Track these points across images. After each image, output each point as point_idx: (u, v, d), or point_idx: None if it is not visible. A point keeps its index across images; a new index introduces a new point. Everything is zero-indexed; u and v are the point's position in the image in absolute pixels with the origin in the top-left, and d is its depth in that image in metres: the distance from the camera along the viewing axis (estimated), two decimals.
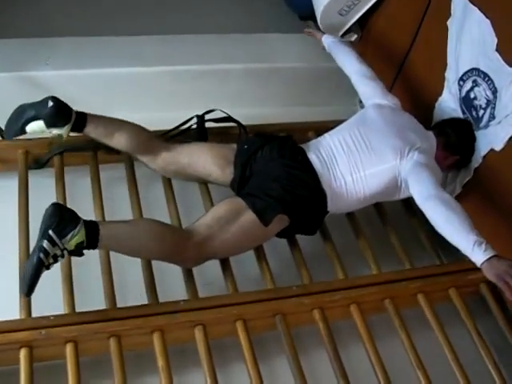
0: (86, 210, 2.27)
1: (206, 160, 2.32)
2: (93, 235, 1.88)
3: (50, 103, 2.16)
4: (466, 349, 2.20)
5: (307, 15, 3.25)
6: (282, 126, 2.73)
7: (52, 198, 2.27)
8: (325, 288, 2.19)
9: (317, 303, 2.14)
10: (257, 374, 1.94)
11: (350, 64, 2.58)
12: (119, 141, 2.30)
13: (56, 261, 1.83)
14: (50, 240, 1.80)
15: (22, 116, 2.19)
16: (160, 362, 1.91)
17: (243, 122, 2.58)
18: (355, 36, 3.01)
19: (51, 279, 2.02)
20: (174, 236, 2.04)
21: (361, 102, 2.63)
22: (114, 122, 2.31)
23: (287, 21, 3.36)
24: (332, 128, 2.44)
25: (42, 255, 1.78)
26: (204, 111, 2.54)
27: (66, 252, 1.84)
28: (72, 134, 2.26)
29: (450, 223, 1.98)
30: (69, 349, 1.88)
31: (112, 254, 2.12)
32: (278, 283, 2.18)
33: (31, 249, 2.01)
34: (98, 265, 2.09)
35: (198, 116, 2.53)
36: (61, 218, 1.84)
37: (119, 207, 2.38)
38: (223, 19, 3.28)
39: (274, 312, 2.10)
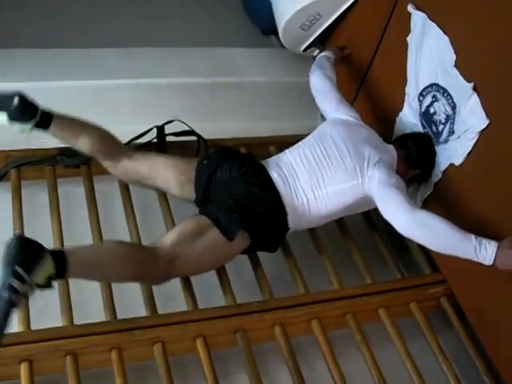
0: (44, 225, 2.24)
1: (165, 175, 2.30)
2: (61, 265, 1.76)
3: (16, 100, 2.12)
4: (428, 362, 2.20)
5: (270, 30, 3.27)
6: (244, 141, 2.73)
7: (8, 212, 2.24)
8: (286, 304, 2.17)
9: (278, 319, 2.13)
10: None
11: (312, 77, 2.60)
12: (83, 144, 2.28)
13: (27, 299, 1.70)
14: (19, 277, 1.63)
15: None
16: (118, 381, 1.87)
17: (205, 136, 2.57)
18: (317, 51, 3.02)
19: None
20: (143, 256, 1.98)
21: (322, 116, 2.63)
22: (79, 124, 2.28)
23: (250, 35, 3.38)
24: (293, 143, 2.44)
25: (13, 296, 1.62)
26: (164, 122, 2.53)
27: (35, 287, 1.69)
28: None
29: (441, 245, 2.04)
30: (23, 368, 1.84)
31: None
32: (238, 299, 2.16)
33: None
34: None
35: (157, 127, 2.51)
36: (26, 251, 1.69)
37: (77, 221, 2.34)
38: (186, 33, 3.28)
39: (234, 328, 2.08)
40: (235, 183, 2.24)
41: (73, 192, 2.41)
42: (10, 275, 1.63)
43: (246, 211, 2.14)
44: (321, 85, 2.56)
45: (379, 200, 2.18)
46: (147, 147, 2.51)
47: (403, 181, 2.32)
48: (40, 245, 1.74)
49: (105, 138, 2.30)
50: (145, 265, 1.98)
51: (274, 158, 2.40)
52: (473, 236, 1.95)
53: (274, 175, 2.27)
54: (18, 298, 1.63)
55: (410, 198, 2.47)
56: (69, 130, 2.25)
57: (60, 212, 2.27)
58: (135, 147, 2.50)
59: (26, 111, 2.14)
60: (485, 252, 1.92)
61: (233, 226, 2.10)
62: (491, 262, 1.92)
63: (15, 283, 1.63)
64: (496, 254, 1.91)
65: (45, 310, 2.00)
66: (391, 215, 2.11)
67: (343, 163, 2.26)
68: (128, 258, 1.95)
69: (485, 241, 1.93)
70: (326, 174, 2.25)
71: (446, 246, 2.03)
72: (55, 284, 1.78)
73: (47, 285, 1.74)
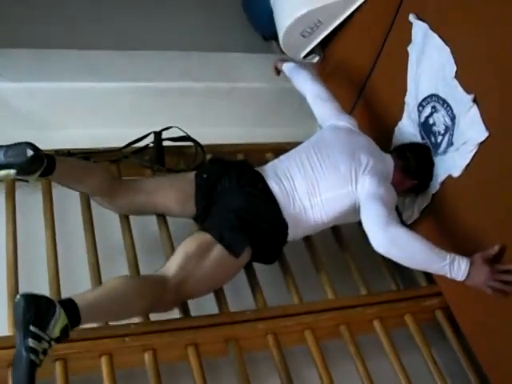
0: (36, 229, 2.24)
1: (165, 197, 2.28)
2: (73, 313, 1.73)
3: (30, 153, 1.98)
4: (421, 375, 2.19)
5: (270, 36, 3.25)
6: (241, 147, 2.72)
7: (2, 212, 2.23)
8: (279, 313, 2.15)
9: (271, 328, 2.11)
10: None
11: (305, 85, 2.59)
12: (84, 188, 2.26)
13: (46, 354, 1.66)
14: (35, 336, 1.62)
15: None
16: None
17: (201, 142, 2.56)
18: (317, 57, 3.01)
19: None
20: (152, 287, 1.95)
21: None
22: (79, 169, 2.22)
23: (250, 41, 3.36)
24: (291, 150, 2.42)
25: (32, 356, 1.60)
26: (161, 128, 2.51)
27: (53, 342, 1.67)
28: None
29: (414, 263, 2.05)
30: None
31: (61, 271, 2.08)
32: (231, 307, 2.14)
33: None
34: (47, 284, 2.04)
35: (155, 133, 2.49)
36: (37, 308, 1.65)
37: (71, 227, 2.33)
38: (186, 36, 3.26)
39: (226, 337, 2.06)
40: (236, 196, 2.23)
41: (67, 195, 2.37)
42: (27, 336, 1.62)
43: (249, 227, 2.13)
44: (321, 92, 2.55)
45: (362, 210, 2.16)
46: (144, 152, 2.50)
47: (400, 190, 2.33)
48: (48, 299, 1.71)
49: (103, 179, 2.25)
50: (155, 295, 1.95)
51: (271, 165, 2.39)
52: (447, 255, 1.95)
53: (273, 185, 2.25)
54: (37, 357, 1.62)
55: (408, 210, 2.47)
56: (70, 175, 2.20)
57: (54, 216, 2.26)
58: (132, 152, 2.49)
59: (38, 162, 2.02)
60: (458, 269, 1.94)
61: (239, 244, 2.08)
62: (463, 279, 1.94)
63: (32, 343, 1.62)
64: (468, 271, 1.93)
65: None
66: (367, 229, 2.09)
67: (339, 170, 2.25)
68: (138, 292, 1.92)
69: (458, 258, 1.95)
70: (321, 181, 2.24)
71: (419, 264, 2.05)
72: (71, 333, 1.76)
73: (64, 336, 1.72)
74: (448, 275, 1.96)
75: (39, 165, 2.02)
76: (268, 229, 2.17)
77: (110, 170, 2.38)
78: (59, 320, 1.68)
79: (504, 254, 2.01)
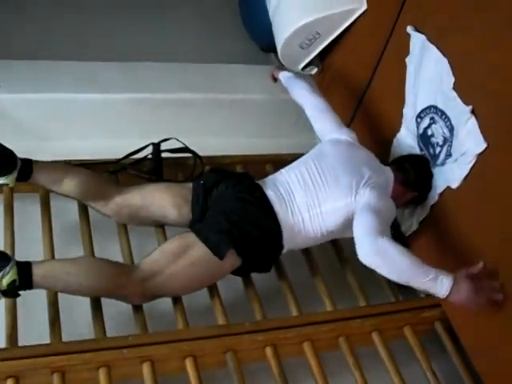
0: (35, 239, 2.23)
1: (161, 200, 2.27)
2: (25, 274, 1.82)
3: None
4: None
5: (269, 47, 3.26)
6: (240, 158, 2.72)
7: (0, 224, 2.22)
8: (278, 325, 2.14)
9: (269, 340, 2.09)
10: None
11: (303, 97, 2.57)
12: (69, 188, 2.22)
13: None
14: None
15: None
16: None
17: (200, 153, 2.55)
18: (316, 69, 3.02)
19: None
20: (113, 272, 1.97)
21: None
22: (61, 168, 2.24)
23: (249, 52, 3.38)
24: (290, 161, 2.42)
25: None
26: (160, 140, 2.51)
27: None
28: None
29: (397, 277, 1.98)
30: None
31: None
32: (230, 319, 2.13)
33: None
34: (44, 295, 2.02)
35: (153, 144, 2.49)
36: None
37: (70, 236, 2.33)
38: (185, 48, 3.28)
39: (225, 349, 2.04)
40: (230, 201, 2.23)
41: (65, 207, 2.37)
42: None
43: (238, 231, 2.11)
44: (320, 104, 2.53)
45: (356, 219, 2.12)
46: (142, 164, 2.50)
47: (400, 202, 2.33)
48: (5, 253, 1.86)
49: (89, 179, 2.25)
50: (116, 282, 1.96)
51: (271, 177, 2.38)
52: (432, 270, 1.90)
53: (271, 194, 2.25)
54: None
55: (407, 221, 2.47)
56: (51, 175, 2.20)
57: (52, 226, 2.25)
58: (130, 163, 2.49)
59: (6, 162, 2.07)
60: (441, 285, 1.88)
61: (223, 245, 2.07)
62: (444, 297, 1.89)
63: None
64: (451, 288, 1.87)
65: (33, 326, 1.98)
66: (356, 236, 2.04)
67: (339, 182, 2.24)
68: (97, 273, 1.94)
69: (442, 275, 1.89)
70: (321, 193, 2.23)
71: (402, 278, 1.97)
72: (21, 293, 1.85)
73: (11, 292, 1.83)
74: (430, 291, 1.91)
75: (9, 165, 2.08)
76: (258, 235, 2.15)
77: (103, 175, 2.37)
78: (8, 274, 1.80)
79: (490, 270, 1.97)
